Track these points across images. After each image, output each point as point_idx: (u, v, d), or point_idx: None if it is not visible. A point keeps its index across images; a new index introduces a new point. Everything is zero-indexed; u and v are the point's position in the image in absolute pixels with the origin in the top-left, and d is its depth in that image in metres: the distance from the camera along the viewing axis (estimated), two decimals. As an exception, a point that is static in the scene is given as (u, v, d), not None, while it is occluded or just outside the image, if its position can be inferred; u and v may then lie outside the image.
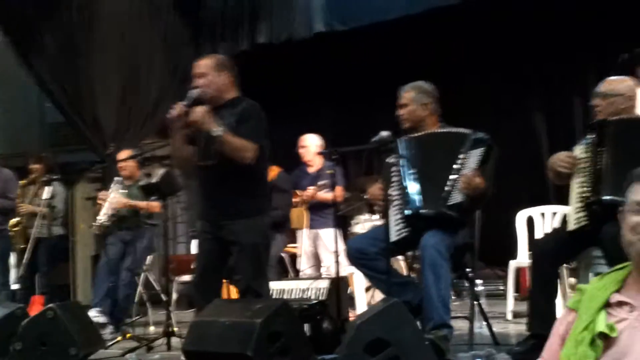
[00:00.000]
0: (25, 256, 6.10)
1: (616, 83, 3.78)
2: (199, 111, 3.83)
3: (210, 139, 3.84)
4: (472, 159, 3.84)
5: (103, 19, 8.16)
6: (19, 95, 10.11)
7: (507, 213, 5.82)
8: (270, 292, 4.75)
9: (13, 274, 6.69)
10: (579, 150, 3.64)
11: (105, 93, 8.29)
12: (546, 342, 1.92)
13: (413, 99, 4.07)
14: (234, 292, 4.90)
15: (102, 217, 5.77)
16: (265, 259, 4.13)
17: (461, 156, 3.85)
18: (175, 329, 4.80)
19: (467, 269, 4.27)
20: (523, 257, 5.36)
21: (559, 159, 3.64)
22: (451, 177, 3.81)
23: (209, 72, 3.97)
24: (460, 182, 3.78)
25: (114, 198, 5.82)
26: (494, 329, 4.26)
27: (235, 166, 3.87)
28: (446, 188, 3.81)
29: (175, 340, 4.64)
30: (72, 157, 8.97)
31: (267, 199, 4.35)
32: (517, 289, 6.14)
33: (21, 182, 6.54)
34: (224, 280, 5.34)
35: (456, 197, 3.79)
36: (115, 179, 5.99)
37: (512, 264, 5.39)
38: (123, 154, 6.13)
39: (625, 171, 3.40)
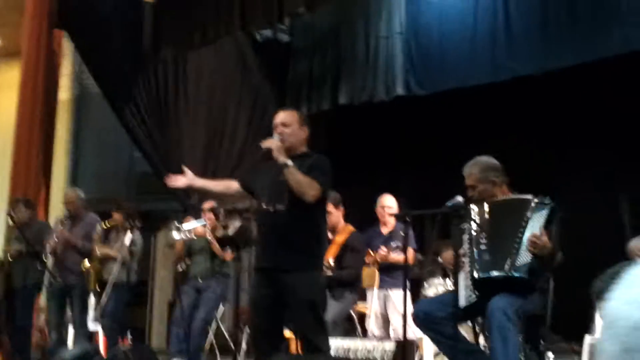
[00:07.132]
0: (102, 299, 6.20)
1: None
2: (275, 141, 4.00)
3: (279, 183, 3.95)
4: (536, 220, 3.85)
5: (194, 74, 8.50)
6: (111, 143, 10.56)
7: (585, 285, 5.65)
8: (336, 350, 4.77)
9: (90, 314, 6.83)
10: None
11: (192, 145, 8.59)
12: None
13: (479, 179, 4.10)
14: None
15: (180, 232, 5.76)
16: (323, 314, 4.09)
17: (526, 219, 3.86)
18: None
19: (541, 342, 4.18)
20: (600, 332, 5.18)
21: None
22: (518, 239, 3.82)
23: (293, 123, 4.14)
24: (527, 242, 3.78)
25: (196, 225, 5.87)
26: (565, 405, 4.12)
27: (303, 215, 3.95)
28: (514, 250, 3.81)
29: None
30: (156, 206, 9.25)
31: (322, 256, 4.35)
32: (593, 365, 5.91)
33: (102, 226, 6.63)
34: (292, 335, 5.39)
35: (524, 258, 3.79)
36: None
37: (587, 339, 5.21)
38: (207, 205, 6.26)
39: None
